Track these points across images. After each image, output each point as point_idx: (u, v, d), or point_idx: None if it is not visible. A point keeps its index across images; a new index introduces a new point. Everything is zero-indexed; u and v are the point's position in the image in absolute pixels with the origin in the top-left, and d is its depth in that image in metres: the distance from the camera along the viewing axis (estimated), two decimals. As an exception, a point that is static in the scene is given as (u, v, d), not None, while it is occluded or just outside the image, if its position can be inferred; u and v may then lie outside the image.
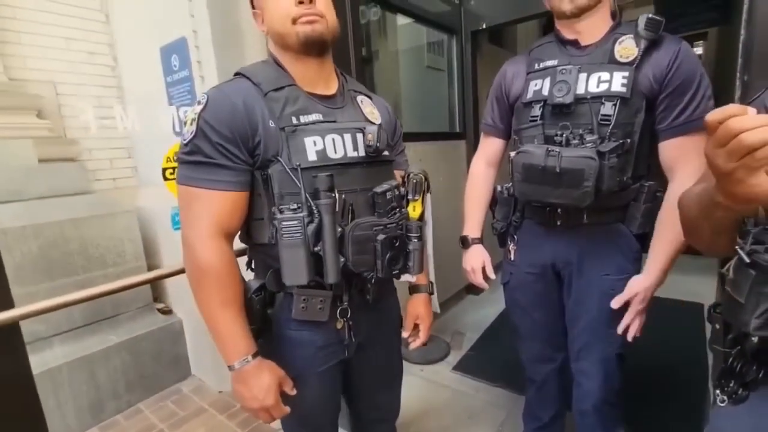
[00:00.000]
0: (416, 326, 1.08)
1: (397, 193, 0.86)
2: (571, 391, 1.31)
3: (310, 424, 0.97)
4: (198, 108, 0.76)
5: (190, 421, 1.87)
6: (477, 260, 1.30)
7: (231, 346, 0.77)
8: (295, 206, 0.75)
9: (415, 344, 1.07)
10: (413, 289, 1.08)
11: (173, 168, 1.43)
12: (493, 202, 1.35)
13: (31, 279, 1.69)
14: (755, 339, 0.51)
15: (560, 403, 1.41)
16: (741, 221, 0.55)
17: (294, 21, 0.78)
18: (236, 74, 0.84)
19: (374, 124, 0.88)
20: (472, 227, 1.34)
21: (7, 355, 0.83)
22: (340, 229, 0.78)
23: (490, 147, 1.34)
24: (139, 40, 2.00)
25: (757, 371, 0.56)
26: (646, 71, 0.98)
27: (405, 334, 1.07)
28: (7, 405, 0.83)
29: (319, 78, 0.86)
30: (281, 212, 0.74)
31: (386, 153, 0.89)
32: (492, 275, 1.32)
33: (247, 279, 0.87)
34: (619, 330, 1.09)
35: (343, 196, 0.80)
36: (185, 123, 0.78)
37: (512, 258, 1.30)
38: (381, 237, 0.80)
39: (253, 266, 0.92)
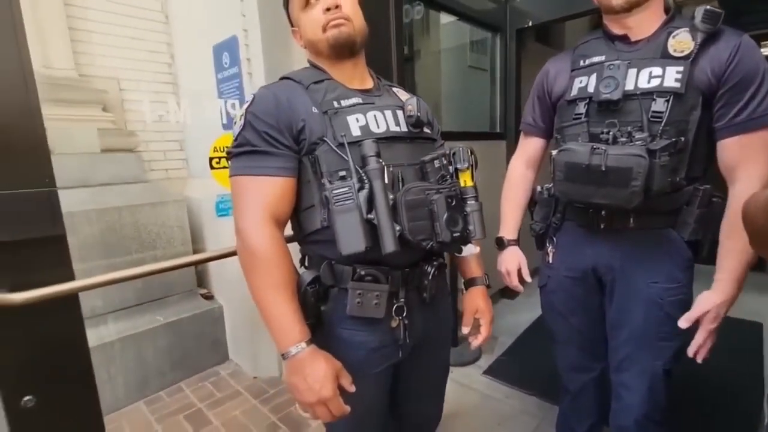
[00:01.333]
0: (476, 321, 1.02)
1: (445, 162, 0.85)
2: (608, 405, 1.24)
3: (359, 429, 0.93)
4: (246, 105, 0.81)
5: (226, 403, 1.96)
6: (513, 262, 1.27)
7: (285, 332, 0.74)
8: (344, 174, 0.76)
9: (477, 341, 1.01)
10: (470, 282, 1.04)
11: (219, 157, 1.50)
12: (532, 202, 1.31)
13: (91, 257, 1.84)
14: None
15: (597, 416, 1.34)
16: None
17: (324, 28, 0.83)
18: (281, 78, 0.89)
19: (413, 97, 0.89)
20: (509, 228, 1.31)
21: (67, 322, 0.90)
22: (392, 197, 0.76)
23: (530, 147, 1.30)
24: (195, 38, 2.13)
25: None
26: (703, 66, 0.91)
27: (465, 330, 1.01)
28: (64, 369, 0.91)
29: (354, 76, 0.89)
30: (331, 183, 0.75)
31: (428, 131, 0.90)
32: (528, 278, 1.28)
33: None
34: (689, 352, 1.01)
35: (391, 169, 0.79)
36: (234, 121, 0.82)
37: (550, 261, 1.25)
38: (436, 197, 0.78)
39: (306, 263, 0.91)
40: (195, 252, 2.20)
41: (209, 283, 2.37)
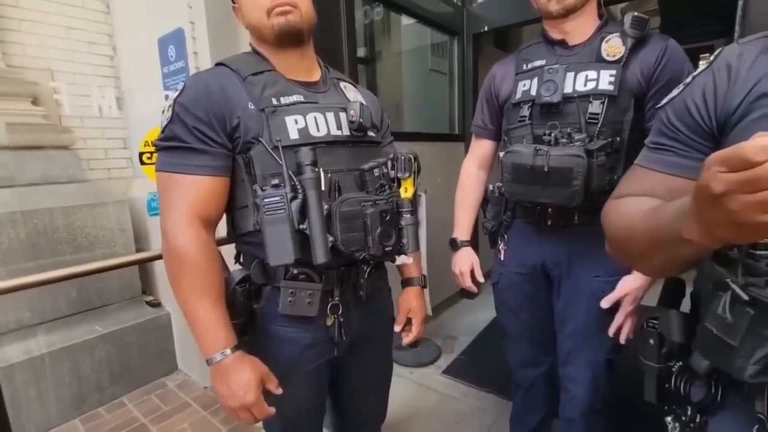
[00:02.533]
0: (409, 320, 1.03)
1: (385, 170, 0.83)
2: (558, 398, 1.27)
3: (294, 426, 0.92)
4: (174, 94, 0.75)
5: (173, 416, 1.84)
6: (465, 263, 1.28)
7: (209, 338, 0.72)
8: (276, 182, 0.73)
9: (407, 339, 1.03)
10: (406, 282, 1.05)
11: (150, 152, 1.41)
12: (485, 201, 1.33)
13: (16, 262, 1.67)
14: (749, 381, 0.43)
15: (547, 409, 1.37)
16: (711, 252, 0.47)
17: (268, 13, 0.78)
18: (216, 64, 0.83)
19: (356, 102, 0.86)
20: (462, 230, 1.32)
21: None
22: (326, 207, 0.75)
23: (480, 149, 1.33)
24: (139, 30, 2.00)
25: (714, 393, 0.52)
26: (633, 69, 0.97)
27: (397, 329, 1.02)
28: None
29: (300, 67, 0.85)
30: (263, 190, 0.72)
31: (372, 134, 0.88)
32: (481, 278, 1.30)
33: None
34: (611, 332, 1.06)
35: (329, 175, 0.77)
36: (162, 110, 0.77)
37: (502, 258, 1.27)
38: (370, 210, 0.77)
39: (241, 260, 0.89)
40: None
41: (156, 289, 2.23)
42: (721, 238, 0.36)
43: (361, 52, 2.87)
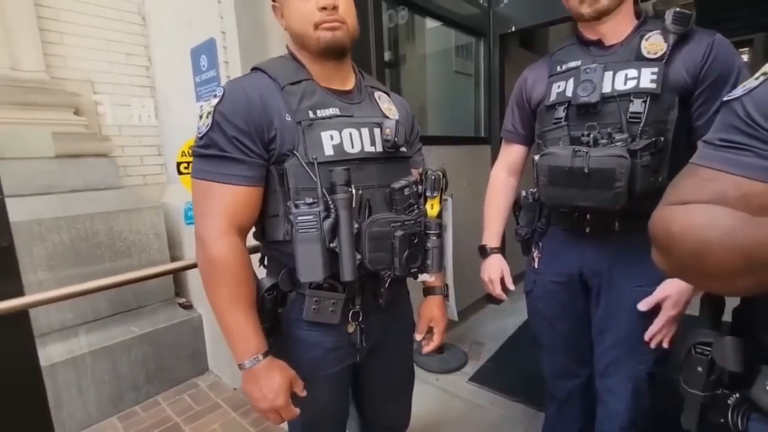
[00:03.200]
0: (430, 329, 1.04)
1: (414, 189, 0.84)
2: (594, 412, 1.22)
3: (317, 428, 0.95)
4: (214, 101, 0.76)
5: (204, 416, 1.89)
6: (495, 271, 1.26)
7: (242, 344, 0.76)
8: (310, 201, 0.73)
9: (428, 348, 1.03)
10: (428, 291, 1.05)
11: (187, 162, 1.44)
12: (517, 207, 1.30)
13: (60, 266, 1.76)
14: None
15: (582, 422, 1.32)
16: None
17: (316, 26, 0.78)
18: (253, 69, 0.84)
19: (391, 119, 0.86)
20: (491, 236, 1.30)
21: (15, 341, 0.83)
22: (356, 226, 0.76)
23: (511, 154, 1.30)
24: (172, 41, 2.07)
25: None
26: (677, 66, 0.92)
27: (418, 337, 1.04)
28: (13, 391, 0.84)
29: (336, 76, 0.85)
30: (297, 207, 0.73)
31: (404, 149, 0.88)
32: (511, 286, 1.27)
33: (260, 277, 0.85)
34: (646, 336, 1.01)
35: (360, 191, 0.78)
36: (200, 116, 0.78)
37: (536, 266, 1.24)
38: (399, 233, 0.78)
39: (266, 264, 0.91)
40: (173, 259, 2.13)
41: (188, 291, 2.30)
42: None
43: (385, 56, 2.87)
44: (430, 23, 2.91)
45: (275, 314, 0.85)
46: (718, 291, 0.47)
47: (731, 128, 0.49)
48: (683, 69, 0.92)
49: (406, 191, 0.82)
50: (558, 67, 1.09)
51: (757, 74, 0.49)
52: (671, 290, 0.97)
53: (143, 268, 1.94)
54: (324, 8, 0.76)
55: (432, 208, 0.86)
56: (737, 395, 0.53)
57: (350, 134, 0.80)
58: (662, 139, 0.93)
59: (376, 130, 0.83)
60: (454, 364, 2.19)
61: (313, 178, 0.74)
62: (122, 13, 2.17)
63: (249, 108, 0.75)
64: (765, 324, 0.50)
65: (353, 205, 0.76)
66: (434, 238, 0.84)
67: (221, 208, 0.74)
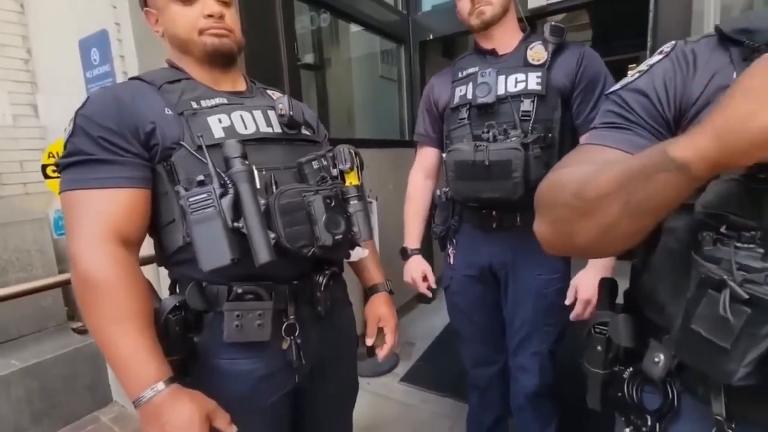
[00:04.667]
0: (380, 330, 0.94)
1: (325, 163, 0.79)
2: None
3: None
4: (77, 108, 0.68)
5: (107, 454, 1.67)
6: (417, 271, 1.31)
7: (135, 373, 0.60)
8: (201, 178, 0.66)
9: (382, 352, 0.94)
10: (371, 290, 0.98)
11: (55, 164, 1.27)
12: (433, 206, 1.36)
13: None
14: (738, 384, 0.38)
15: (503, 408, 1.39)
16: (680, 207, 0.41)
17: (201, 32, 0.75)
18: (130, 79, 0.78)
19: (283, 96, 0.83)
20: (412, 238, 1.35)
21: None
22: (264, 202, 0.68)
23: (426, 158, 1.37)
24: (58, 32, 1.83)
25: (672, 399, 0.51)
26: (557, 72, 1.08)
27: (369, 342, 0.94)
28: None
29: (224, 79, 0.81)
30: (187, 190, 0.65)
31: (307, 132, 0.84)
32: (434, 285, 1.33)
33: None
34: (571, 318, 1.12)
35: (263, 172, 0.72)
36: (64, 128, 0.69)
37: (452, 262, 1.30)
38: (312, 198, 0.72)
39: (177, 290, 0.77)
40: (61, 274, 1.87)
41: (78, 306, 2.02)
42: (750, 152, 0.32)
43: (309, 58, 2.82)
44: (355, 27, 2.92)
45: (189, 344, 0.70)
46: (582, 236, 0.46)
47: (612, 114, 0.55)
48: (562, 74, 1.07)
49: (315, 164, 0.77)
50: (459, 74, 1.19)
51: (632, 72, 0.56)
52: (579, 280, 1.11)
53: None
54: (210, 16, 0.74)
55: (351, 184, 0.81)
56: (631, 369, 0.56)
57: (241, 116, 0.75)
58: (550, 135, 1.06)
59: (270, 112, 0.79)
60: (385, 366, 2.18)
61: (203, 161, 0.67)
62: (-7, -1, 1.87)
63: (119, 107, 0.67)
64: (647, 301, 0.54)
65: (257, 185, 0.69)
66: (355, 201, 0.78)
67: (95, 217, 0.64)
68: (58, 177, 1.24)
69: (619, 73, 1.11)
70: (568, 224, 0.47)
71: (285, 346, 0.76)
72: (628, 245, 0.45)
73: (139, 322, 0.63)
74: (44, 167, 1.23)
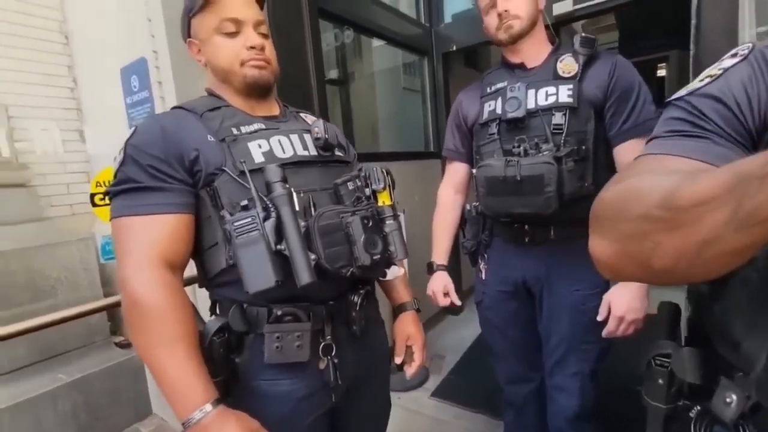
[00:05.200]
0: (408, 349, 0.96)
1: (359, 184, 0.81)
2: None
3: None
4: (127, 138, 0.72)
5: (148, 465, 1.72)
6: (438, 285, 1.29)
7: (184, 395, 0.62)
8: (245, 203, 0.68)
9: (411, 370, 0.95)
10: (399, 309, 0.99)
11: (102, 194, 1.34)
12: (463, 221, 1.35)
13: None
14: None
15: (540, 426, 1.34)
16: None
17: (242, 63, 0.79)
18: (172, 108, 0.82)
19: (318, 120, 0.86)
20: (439, 253, 1.34)
21: None
22: (303, 224, 0.70)
23: (456, 173, 1.36)
24: (100, 61, 1.94)
25: None
26: (589, 83, 1.05)
27: (398, 360, 0.95)
28: None
29: (259, 107, 0.85)
30: (231, 214, 0.67)
31: (340, 153, 0.86)
32: (457, 302, 1.30)
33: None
34: (603, 334, 1.07)
35: (302, 195, 0.74)
36: (114, 157, 0.73)
37: (483, 277, 1.29)
38: (351, 219, 0.73)
39: (217, 311, 0.80)
40: (107, 295, 1.95)
41: (126, 329, 2.11)
42: None
43: (333, 74, 2.88)
44: (377, 41, 2.96)
45: (230, 364, 0.73)
46: (656, 274, 0.39)
47: (676, 121, 0.48)
48: (594, 85, 1.04)
49: (350, 185, 0.79)
50: (488, 89, 1.18)
51: (701, 76, 0.50)
52: (612, 296, 1.05)
53: (72, 306, 1.77)
54: (252, 47, 0.78)
55: (383, 203, 0.83)
56: (699, 407, 0.51)
57: (279, 141, 0.78)
58: (584, 147, 1.03)
59: (306, 135, 0.82)
60: (415, 381, 2.16)
61: (246, 185, 0.70)
62: (41, 32, 2.01)
63: (164, 136, 0.71)
64: (718, 335, 0.49)
65: (296, 207, 0.71)
66: (390, 221, 0.80)
67: (143, 242, 0.67)
68: (106, 205, 1.31)
69: (648, 73, 1.09)
70: (647, 241, 0.37)
71: (322, 366, 0.78)
72: (724, 268, 0.36)
73: (186, 345, 0.65)
74: (92, 196, 1.30)
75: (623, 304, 1.02)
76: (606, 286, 1.12)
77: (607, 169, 1.08)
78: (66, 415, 1.75)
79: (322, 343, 0.77)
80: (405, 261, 1.03)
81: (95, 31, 1.96)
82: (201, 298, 0.88)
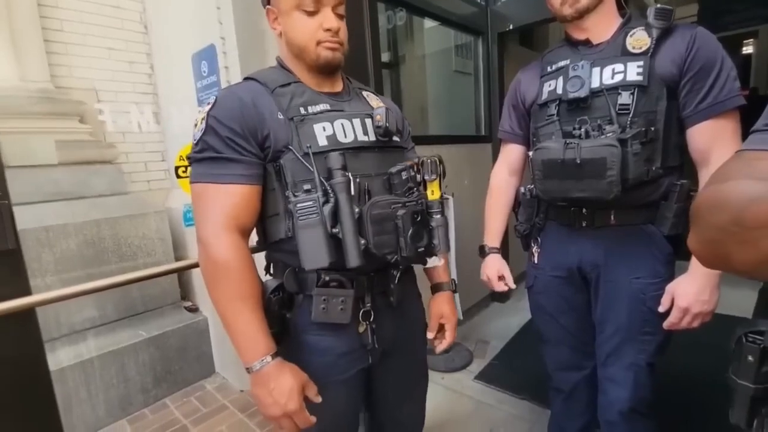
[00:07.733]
0: (441, 327, 1.02)
1: (412, 173, 0.84)
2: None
3: None
4: (207, 107, 0.78)
5: (211, 417, 1.91)
6: (492, 270, 1.27)
7: (249, 346, 0.73)
8: (308, 187, 0.74)
9: (441, 346, 1.02)
10: (436, 287, 1.04)
11: (185, 166, 1.46)
12: (516, 204, 1.32)
13: (69, 272, 1.79)
14: None
15: (589, 416, 1.32)
16: None
17: (318, 43, 0.82)
18: (245, 78, 0.86)
19: (381, 106, 0.88)
20: (491, 236, 1.32)
21: (23, 340, 0.85)
22: (357, 210, 0.76)
23: (510, 154, 1.31)
24: (174, 48, 2.10)
25: None
26: (663, 59, 0.95)
27: (430, 335, 1.02)
28: (21, 390, 0.86)
29: (325, 83, 0.89)
30: (296, 196, 0.74)
31: (397, 139, 0.89)
32: (512, 285, 1.28)
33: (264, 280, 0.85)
34: (664, 326, 1.01)
35: (358, 179, 0.78)
36: (195, 124, 0.80)
37: (536, 261, 1.25)
38: (401, 212, 0.77)
39: (271, 271, 0.90)
40: (177, 260, 2.16)
41: (194, 295, 2.32)
42: None
43: (384, 57, 2.89)
44: (429, 23, 2.92)
45: (283, 319, 0.83)
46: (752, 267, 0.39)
47: None
48: (669, 61, 0.95)
49: (404, 175, 0.82)
50: (548, 68, 1.12)
51: None
52: (677, 286, 0.99)
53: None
54: (328, 30, 0.81)
55: (432, 194, 0.86)
56: None
57: (342, 125, 0.82)
58: (653, 128, 0.95)
59: (368, 120, 0.85)
60: (459, 363, 2.19)
61: (309, 168, 0.75)
62: (124, 22, 2.21)
63: (242, 110, 0.77)
64: None
65: (352, 192, 0.75)
66: (437, 216, 0.83)
67: (220, 209, 0.75)
68: (188, 177, 1.44)
69: (731, 51, 0.97)
70: (723, 248, 0.40)
71: (361, 329, 0.86)
72: None
73: (253, 303, 0.75)
74: (177, 168, 1.44)
75: (689, 295, 0.96)
76: (670, 275, 1.05)
77: (679, 151, 1.00)
78: (145, 365, 1.98)
79: (362, 309, 0.84)
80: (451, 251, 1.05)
81: (170, 20, 2.12)
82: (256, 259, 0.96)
